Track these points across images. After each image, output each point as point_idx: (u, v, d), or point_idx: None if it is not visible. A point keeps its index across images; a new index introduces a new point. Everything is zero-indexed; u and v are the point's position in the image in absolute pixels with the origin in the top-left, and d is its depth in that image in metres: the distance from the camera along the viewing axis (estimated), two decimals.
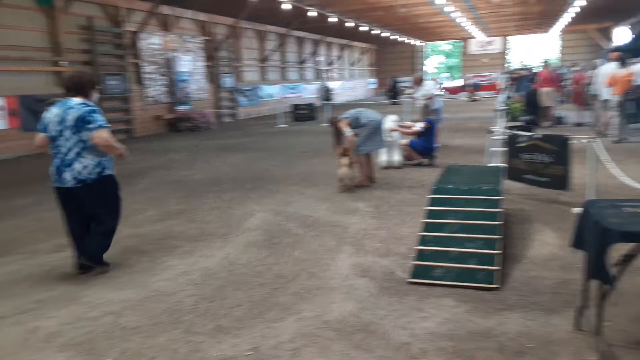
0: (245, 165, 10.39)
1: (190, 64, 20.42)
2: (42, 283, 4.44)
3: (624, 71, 10.91)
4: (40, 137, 4.45)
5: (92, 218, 4.55)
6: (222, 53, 22.84)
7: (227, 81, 23.22)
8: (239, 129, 18.95)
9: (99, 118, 4.33)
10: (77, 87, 4.42)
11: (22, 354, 3.28)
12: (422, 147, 9.06)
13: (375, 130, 7.65)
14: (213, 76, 22.40)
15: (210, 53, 22.05)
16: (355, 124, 7.55)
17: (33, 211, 7.15)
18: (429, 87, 11.38)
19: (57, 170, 4.40)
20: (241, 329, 3.45)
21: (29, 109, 13.79)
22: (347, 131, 7.43)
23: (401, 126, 9.34)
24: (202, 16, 21.37)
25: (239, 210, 6.61)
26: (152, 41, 18.59)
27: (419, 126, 9.06)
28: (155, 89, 18.88)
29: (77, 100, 4.37)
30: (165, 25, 19.51)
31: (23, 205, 7.57)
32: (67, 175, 4.35)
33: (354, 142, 7.47)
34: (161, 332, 3.47)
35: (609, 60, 12.32)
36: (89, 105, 4.36)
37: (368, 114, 7.66)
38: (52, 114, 4.37)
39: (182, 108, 19.64)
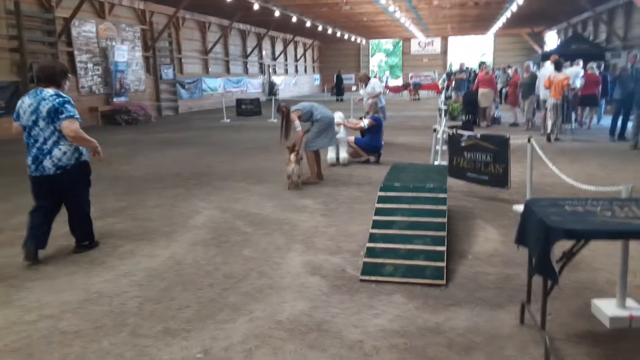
0: (188, 160, 10.12)
1: (127, 54, 19.60)
2: None
3: (560, 75, 11.58)
4: (15, 126, 4.57)
5: (67, 203, 4.71)
6: (162, 43, 22.11)
7: (167, 73, 22.51)
8: (180, 123, 18.45)
9: (70, 109, 4.43)
10: (49, 77, 4.50)
11: None
12: (369, 144, 9.17)
13: (328, 127, 7.64)
14: (152, 67, 21.65)
15: (149, 43, 21.29)
16: (307, 117, 7.49)
17: None
18: (374, 85, 11.53)
19: (35, 159, 4.48)
20: (190, 331, 3.34)
21: None
22: (298, 125, 7.36)
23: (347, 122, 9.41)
24: (139, 4, 20.58)
25: (183, 208, 6.42)
26: (85, 28, 17.70)
27: (364, 123, 9.16)
28: (90, 79, 18.01)
29: (49, 91, 4.44)
30: (100, 12, 18.63)
31: None
32: (47, 163, 4.45)
33: (302, 136, 7.43)
34: (104, 335, 3.30)
35: (543, 63, 13.16)
36: (61, 97, 4.45)
37: (322, 110, 7.62)
38: (25, 103, 4.46)
39: (119, 100, 18.86)
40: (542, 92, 12.41)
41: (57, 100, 4.39)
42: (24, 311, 3.66)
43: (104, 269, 4.43)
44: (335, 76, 31.70)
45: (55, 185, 4.53)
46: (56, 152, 4.45)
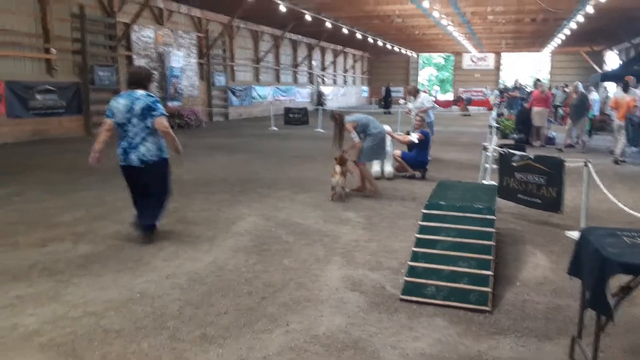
0: (235, 166, 10.27)
1: (182, 60, 20.22)
2: (22, 278, 4.29)
3: (627, 97, 11.40)
4: (109, 122, 5.10)
5: (145, 191, 5.22)
6: (216, 51, 22.68)
7: (220, 80, 23.05)
8: (229, 129, 18.81)
9: (161, 107, 5.14)
10: (138, 81, 5.17)
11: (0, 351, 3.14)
12: (415, 159, 9.03)
13: (381, 141, 7.61)
14: (205, 74, 22.23)
15: (204, 50, 21.89)
16: (362, 129, 7.50)
17: (13, 202, 6.95)
18: (423, 99, 11.36)
19: (124, 151, 5.10)
20: (227, 338, 3.35)
21: (16, 95, 13.52)
22: (355, 135, 7.40)
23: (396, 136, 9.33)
24: (196, 12, 21.21)
25: (228, 213, 6.50)
26: (144, 34, 18.38)
27: (413, 137, 9.03)
28: None
29: (141, 92, 5.09)
30: (159, 18, 19.31)
31: (3, 195, 7.36)
32: (133, 157, 5.07)
33: (359, 148, 7.43)
34: (144, 337, 3.35)
35: (601, 83, 13.13)
36: (152, 96, 5.12)
37: (376, 124, 7.61)
38: (119, 103, 5.06)
39: (172, 104, 19.45)
40: (612, 113, 12.10)
41: (149, 99, 5.06)
42: (70, 307, 3.77)
43: (148, 269, 4.52)
44: (384, 89, 31.54)
45: (139, 176, 5.14)
46: (141, 148, 5.05)
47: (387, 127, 9.09)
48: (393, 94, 32.22)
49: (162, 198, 5.35)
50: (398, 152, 9.19)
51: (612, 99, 12.10)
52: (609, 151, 12.40)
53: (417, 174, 9.03)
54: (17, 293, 3.98)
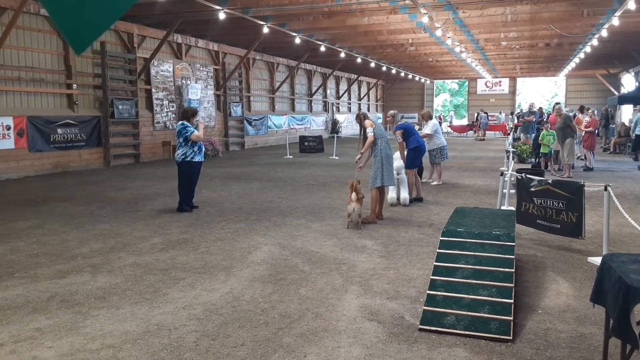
0: (251, 195, 10.32)
1: (200, 92, 20.61)
2: (42, 310, 4.32)
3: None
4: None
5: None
6: (232, 82, 23.10)
7: (236, 110, 23.40)
8: (245, 158, 18.99)
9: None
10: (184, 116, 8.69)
11: None
12: (410, 152, 9.33)
13: (385, 163, 7.55)
14: (222, 105, 22.61)
15: (221, 82, 22.31)
16: (378, 133, 7.64)
17: (34, 234, 7.05)
18: (428, 124, 11.28)
19: (202, 152, 8.57)
20: None
21: (38, 130, 13.86)
22: (370, 131, 7.55)
23: None
24: (214, 46, 21.71)
25: (243, 242, 6.51)
26: (163, 68, 18.83)
27: (398, 139, 9.45)
28: (165, 115, 19.02)
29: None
30: (177, 53, 19.79)
31: (24, 227, 7.48)
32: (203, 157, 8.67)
33: (370, 144, 7.54)
34: None
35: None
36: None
37: (384, 144, 7.62)
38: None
39: None
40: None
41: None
42: (88, 339, 3.77)
43: (165, 301, 4.52)
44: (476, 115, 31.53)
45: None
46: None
47: (398, 163, 9.00)
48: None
49: None
50: (411, 178, 9.19)
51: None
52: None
53: (434, 182, 9.05)
54: (37, 325, 4.01)
